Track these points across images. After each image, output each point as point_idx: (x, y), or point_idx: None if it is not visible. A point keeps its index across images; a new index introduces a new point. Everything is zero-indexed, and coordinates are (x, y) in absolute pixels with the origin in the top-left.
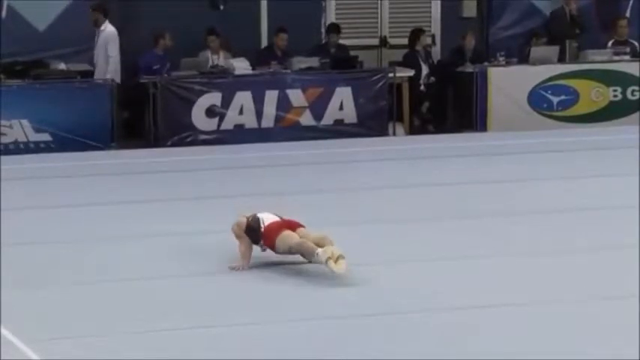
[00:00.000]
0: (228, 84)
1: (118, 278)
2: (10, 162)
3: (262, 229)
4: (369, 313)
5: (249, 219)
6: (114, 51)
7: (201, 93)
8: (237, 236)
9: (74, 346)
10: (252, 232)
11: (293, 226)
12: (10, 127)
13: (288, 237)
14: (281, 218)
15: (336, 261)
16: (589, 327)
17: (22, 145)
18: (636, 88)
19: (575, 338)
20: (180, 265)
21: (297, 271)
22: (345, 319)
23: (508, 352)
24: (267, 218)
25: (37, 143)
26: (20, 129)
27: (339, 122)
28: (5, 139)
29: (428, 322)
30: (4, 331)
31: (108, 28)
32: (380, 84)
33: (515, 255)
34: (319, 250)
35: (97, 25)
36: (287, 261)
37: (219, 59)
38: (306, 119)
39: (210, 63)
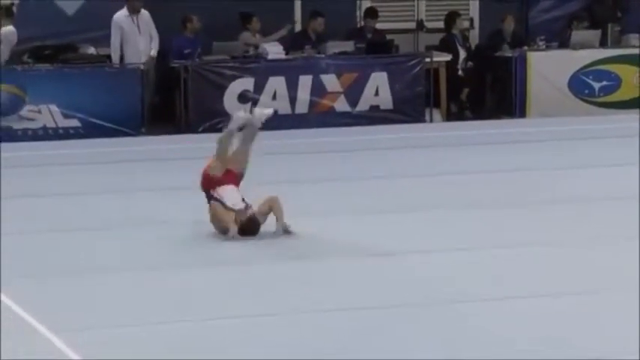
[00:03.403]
0: (260, 69)
1: (143, 266)
2: (39, 148)
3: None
4: (403, 303)
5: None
6: (155, 30)
7: (233, 78)
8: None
9: (99, 337)
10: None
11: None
12: (39, 112)
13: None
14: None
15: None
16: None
17: (50, 131)
18: None
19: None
20: (205, 253)
21: (320, 259)
22: (380, 310)
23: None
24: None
25: (65, 129)
26: (49, 114)
27: (374, 108)
28: (33, 125)
29: (461, 312)
30: (33, 321)
31: (144, 11)
32: (416, 69)
33: (554, 245)
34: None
35: (137, 10)
36: (306, 251)
37: (257, 42)
38: (341, 105)
39: (251, 45)
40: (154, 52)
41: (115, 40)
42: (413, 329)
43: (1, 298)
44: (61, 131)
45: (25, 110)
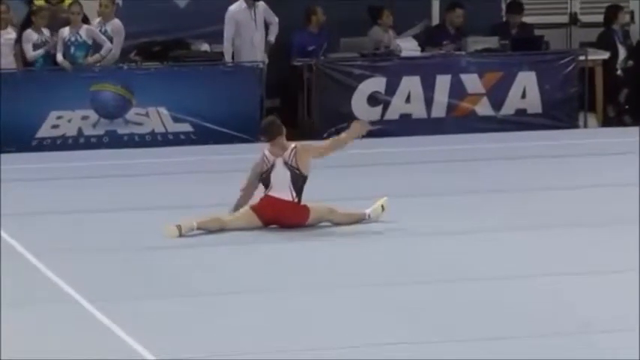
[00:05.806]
0: (393, 67)
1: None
2: (147, 155)
3: None
4: (551, 332)
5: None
6: (273, 16)
7: (362, 78)
8: None
9: None
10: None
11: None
12: (147, 115)
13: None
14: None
15: None
16: None
17: (159, 137)
18: None
19: None
20: (342, 273)
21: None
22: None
23: None
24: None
25: (176, 134)
26: (158, 118)
27: (521, 112)
28: (141, 130)
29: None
30: (138, 346)
31: (260, 2)
32: (569, 68)
33: None
34: None
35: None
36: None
37: (389, 38)
38: (483, 108)
39: (383, 41)
40: (271, 38)
41: (228, 35)
42: None
43: (108, 325)
44: (170, 137)
45: (132, 113)
